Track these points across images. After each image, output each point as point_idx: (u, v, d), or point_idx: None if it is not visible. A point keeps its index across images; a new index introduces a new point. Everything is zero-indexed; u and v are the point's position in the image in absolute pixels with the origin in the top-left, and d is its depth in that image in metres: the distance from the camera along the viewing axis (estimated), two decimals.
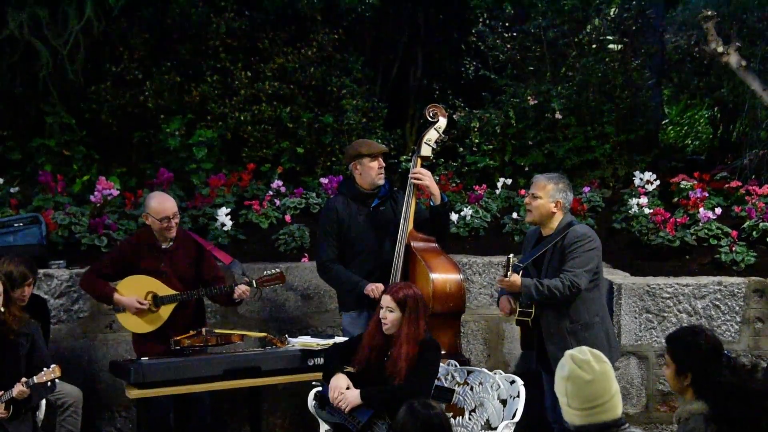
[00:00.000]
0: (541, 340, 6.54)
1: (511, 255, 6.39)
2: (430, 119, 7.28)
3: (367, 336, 6.15)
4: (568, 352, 4.32)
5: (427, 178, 7.04)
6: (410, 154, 7.33)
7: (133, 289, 7.10)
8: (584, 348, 4.32)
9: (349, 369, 6.18)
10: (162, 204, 7.08)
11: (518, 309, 6.53)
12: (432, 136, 7.23)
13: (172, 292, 7.10)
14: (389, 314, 6.00)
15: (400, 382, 5.93)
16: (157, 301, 7.08)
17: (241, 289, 7.10)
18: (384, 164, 7.20)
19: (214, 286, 7.15)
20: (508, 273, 6.33)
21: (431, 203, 7.12)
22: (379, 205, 7.20)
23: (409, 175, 7.08)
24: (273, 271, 7.30)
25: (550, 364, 6.46)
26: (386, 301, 6.01)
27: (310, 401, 6.30)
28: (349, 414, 5.99)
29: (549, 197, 6.48)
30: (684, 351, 4.92)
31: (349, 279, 7.04)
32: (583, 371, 4.19)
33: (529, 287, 6.33)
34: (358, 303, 6.97)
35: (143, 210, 7.29)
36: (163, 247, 7.19)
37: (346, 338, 6.70)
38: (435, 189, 7.07)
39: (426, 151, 7.21)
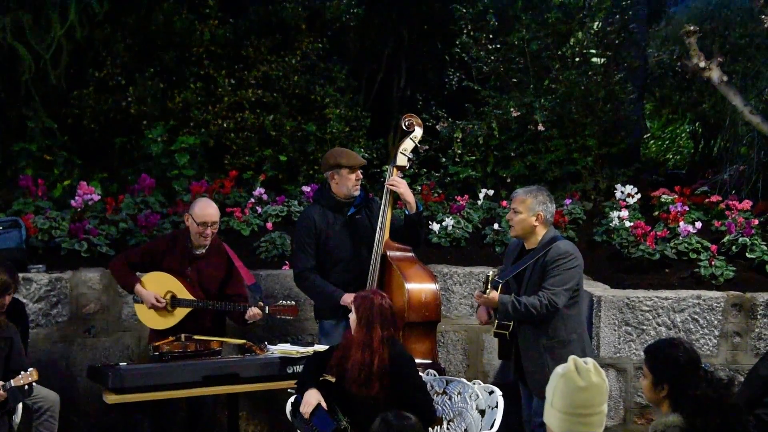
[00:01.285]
0: (519, 352, 6.55)
1: (491, 272, 6.41)
2: (405, 129, 7.30)
3: (342, 339, 6.17)
4: (572, 357, 4.32)
5: (402, 186, 7.06)
6: (389, 163, 7.33)
7: (156, 284, 7.20)
8: (589, 359, 4.33)
9: (328, 378, 6.19)
10: (204, 210, 7.19)
11: (496, 321, 6.54)
12: (408, 146, 7.24)
13: (190, 297, 7.16)
14: (351, 316, 6.05)
15: (353, 389, 5.94)
16: (175, 302, 7.16)
17: (253, 311, 7.17)
18: (361, 176, 7.22)
19: (228, 303, 7.22)
20: (487, 290, 6.32)
21: (406, 212, 7.14)
22: (355, 213, 7.23)
23: (386, 184, 7.11)
24: (288, 302, 7.37)
25: (526, 377, 6.50)
26: (352, 311, 6.05)
27: (288, 409, 6.31)
28: (313, 428, 6.00)
29: (529, 211, 6.46)
30: (662, 363, 4.95)
31: (325, 289, 7.06)
32: (580, 376, 4.19)
33: (506, 305, 6.31)
34: (334, 313, 6.98)
35: (186, 212, 7.38)
36: (195, 252, 7.28)
37: (326, 347, 6.70)
38: (410, 197, 7.09)
39: (402, 160, 7.22)
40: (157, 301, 7.11)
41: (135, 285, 7.19)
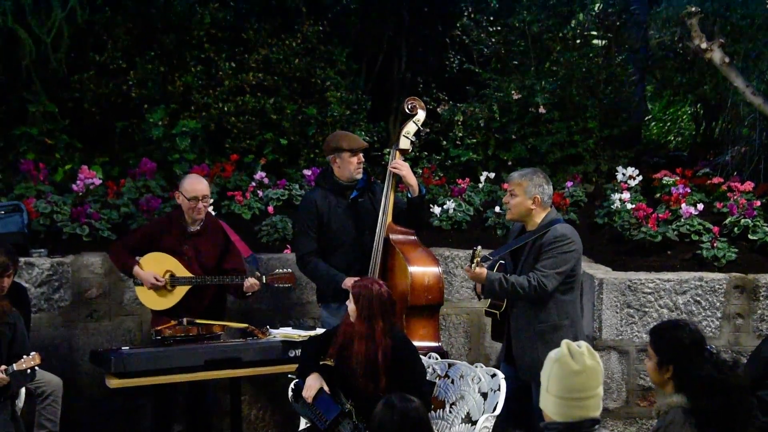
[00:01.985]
0: (510, 334, 6.54)
1: (478, 247, 6.31)
2: (408, 112, 7.30)
3: (341, 325, 6.15)
4: (565, 341, 4.31)
5: (405, 169, 7.06)
6: (391, 147, 7.33)
7: (154, 265, 7.25)
8: (583, 342, 4.32)
9: (327, 362, 6.18)
10: (193, 185, 7.24)
11: (489, 301, 6.53)
12: (411, 129, 7.25)
13: (188, 274, 7.21)
14: (349, 305, 6.02)
15: (360, 383, 5.93)
16: (174, 280, 7.21)
17: (249, 283, 7.20)
18: (363, 159, 7.21)
19: (226, 276, 7.27)
20: (472, 265, 6.24)
21: (409, 195, 7.13)
22: (358, 196, 7.23)
23: (388, 167, 7.09)
24: (284, 270, 7.37)
25: (515, 360, 6.49)
26: (350, 299, 6.03)
27: (290, 394, 6.31)
28: (316, 412, 6.00)
29: (526, 194, 6.41)
30: (667, 344, 4.94)
31: (327, 273, 7.06)
32: (574, 360, 4.18)
33: (493, 282, 6.26)
34: (337, 296, 6.98)
35: (176, 190, 7.40)
36: (190, 230, 7.32)
37: (324, 330, 6.70)
38: (413, 180, 7.09)
39: (405, 144, 7.22)
40: (157, 280, 7.15)
41: (133, 267, 7.23)
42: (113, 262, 7.58)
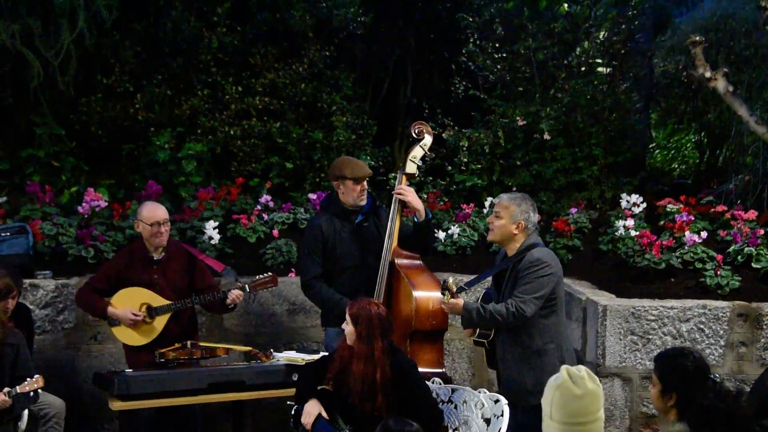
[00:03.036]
0: (497, 364, 6.53)
1: (449, 279, 6.27)
2: (415, 137, 7.29)
3: (338, 350, 6.13)
4: (564, 366, 4.31)
5: (410, 194, 7.04)
6: (397, 171, 7.33)
7: (128, 301, 7.14)
8: (581, 366, 4.32)
9: (325, 387, 6.16)
10: (152, 211, 7.18)
11: (478, 331, 6.50)
12: (417, 153, 7.24)
13: (165, 302, 7.13)
14: (346, 327, 5.99)
15: (357, 403, 5.89)
16: (152, 311, 7.13)
17: (234, 294, 7.15)
18: (366, 187, 7.21)
19: (205, 294, 7.19)
20: (446, 296, 6.16)
21: (415, 219, 7.12)
22: (363, 221, 7.23)
23: (394, 192, 7.09)
24: (265, 275, 7.37)
25: (504, 385, 6.47)
26: (346, 313, 6.00)
27: (291, 420, 6.28)
28: None
29: (510, 218, 6.38)
30: (670, 371, 4.93)
31: (331, 297, 7.04)
32: (575, 385, 4.18)
33: (471, 311, 6.21)
34: (341, 320, 6.95)
35: (135, 219, 7.33)
36: (155, 258, 7.25)
37: (323, 354, 6.68)
38: (419, 204, 7.07)
39: (411, 168, 7.21)
40: (135, 315, 7.05)
41: (106, 309, 7.12)
42: (84, 309, 7.46)
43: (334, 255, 7.14)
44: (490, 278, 6.73)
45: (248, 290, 7.24)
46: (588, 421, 4.18)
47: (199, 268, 7.40)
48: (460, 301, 6.22)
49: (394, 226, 7.05)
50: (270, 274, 7.37)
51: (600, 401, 4.22)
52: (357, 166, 7.22)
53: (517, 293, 6.20)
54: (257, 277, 7.34)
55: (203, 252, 8.41)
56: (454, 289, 6.18)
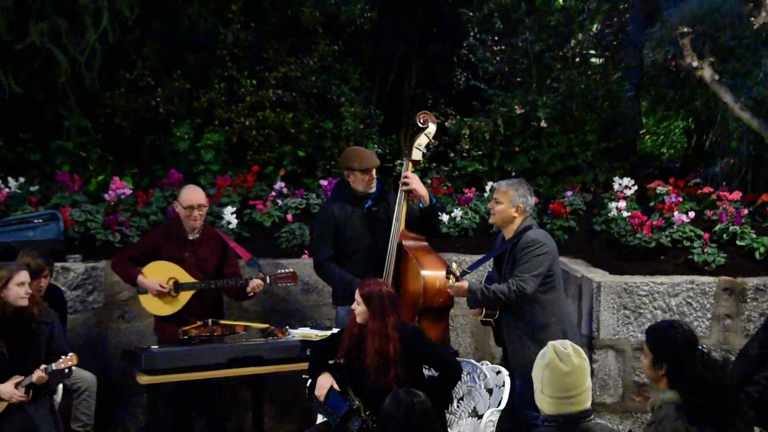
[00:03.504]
0: (504, 340, 6.58)
1: (453, 264, 6.37)
2: (420, 125, 7.30)
3: (347, 328, 6.17)
4: (551, 343, 4.36)
5: (414, 182, 7.06)
6: (403, 158, 7.36)
7: (157, 273, 7.21)
8: (567, 342, 4.37)
9: (337, 361, 6.21)
10: (189, 194, 7.26)
11: (484, 310, 6.56)
12: (422, 141, 7.26)
13: (192, 280, 7.18)
14: (357, 307, 6.02)
15: (371, 377, 5.93)
16: (178, 286, 7.18)
17: (254, 284, 7.21)
18: (374, 176, 7.24)
19: (228, 279, 7.25)
20: (450, 278, 6.27)
21: (420, 205, 7.15)
22: (372, 206, 7.24)
23: (400, 181, 7.12)
24: (287, 270, 7.41)
25: (509, 359, 6.53)
26: (356, 294, 6.04)
27: (307, 391, 6.32)
28: (327, 409, 6.03)
29: (509, 202, 6.46)
30: (662, 343, 4.97)
31: (343, 277, 7.07)
32: (563, 363, 4.23)
33: (475, 292, 6.32)
34: (351, 299, 7.00)
35: (175, 199, 7.43)
36: (189, 238, 7.32)
37: (333, 331, 6.72)
38: (423, 191, 7.10)
39: (417, 155, 7.23)
40: (161, 287, 7.13)
41: (137, 277, 7.19)
42: (117, 274, 7.51)
43: (345, 238, 7.17)
44: (490, 261, 6.80)
45: (269, 282, 7.30)
46: (576, 394, 4.24)
47: (229, 254, 7.48)
48: (464, 283, 6.31)
49: (401, 210, 7.08)
50: (291, 270, 7.42)
51: (586, 374, 4.28)
52: (365, 157, 7.23)
53: (516, 272, 6.27)
54: (279, 271, 7.41)
55: None
56: (458, 273, 6.26)
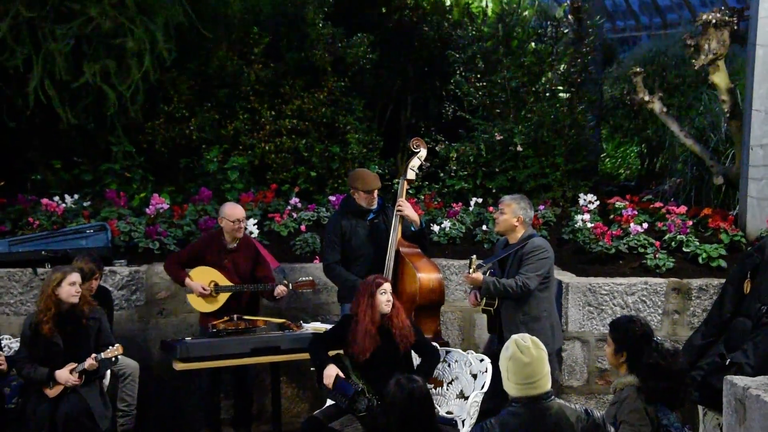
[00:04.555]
0: (502, 326, 6.57)
1: (474, 256, 6.50)
2: (413, 150, 7.35)
3: (361, 330, 6.09)
4: (513, 337, 4.37)
5: (407, 209, 7.12)
6: (400, 177, 7.35)
7: (201, 276, 7.31)
8: (527, 335, 4.37)
9: (338, 353, 6.20)
10: (234, 209, 7.36)
11: (484, 300, 6.57)
12: (415, 163, 7.32)
13: (230, 283, 7.26)
14: (384, 295, 6.10)
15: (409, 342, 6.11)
16: (218, 288, 7.27)
17: (279, 289, 7.31)
18: (375, 195, 7.24)
19: (262, 283, 7.33)
20: (470, 270, 6.38)
21: (412, 228, 7.17)
22: (374, 218, 7.27)
23: (396, 207, 7.12)
24: (306, 278, 7.49)
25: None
26: (388, 286, 6.10)
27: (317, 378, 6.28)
28: (336, 395, 6.01)
29: (512, 213, 6.54)
30: (622, 334, 5.00)
31: (348, 278, 7.09)
32: (523, 355, 4.24)
33: (488, 284, 6.40)
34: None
35: (220, 215, 7.44)
36: (229, 247, 7.37)
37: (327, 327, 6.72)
38: (414, 216, 7.16)
39: (411, 175, 7.30)
40: (203, 289, 7.21)
41: (185, 279, 7.28)
42: (168, 274, 7.60)
43: (351, 246, 7.19)
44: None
45: (291, 288, 7.35)
46: (538, 379, 4.25)
47: (262, 261, 7.53)
48: (479, 275, 6.40)
49: (397, 223, 7.11)
50: (310, 278, 7.50)
51: (545, 362, 4.28)
52: (368, 180, 7.25)
53: (522, 271, 6.38)
54: (300, 279, 7.47)
55: None
56: (475, 264, 6.39)
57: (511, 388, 4.28)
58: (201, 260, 7.38)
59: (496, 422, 4.22)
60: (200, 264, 7.37)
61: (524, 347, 4.26)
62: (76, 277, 6.38)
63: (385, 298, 6.07)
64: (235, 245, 7.38)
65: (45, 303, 6.30)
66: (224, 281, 7.29)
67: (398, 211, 7.10)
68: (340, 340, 6.25)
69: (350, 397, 5.93)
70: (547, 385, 4.26)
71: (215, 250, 7.37)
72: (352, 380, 6.04)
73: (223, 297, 7.30)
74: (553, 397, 4.27)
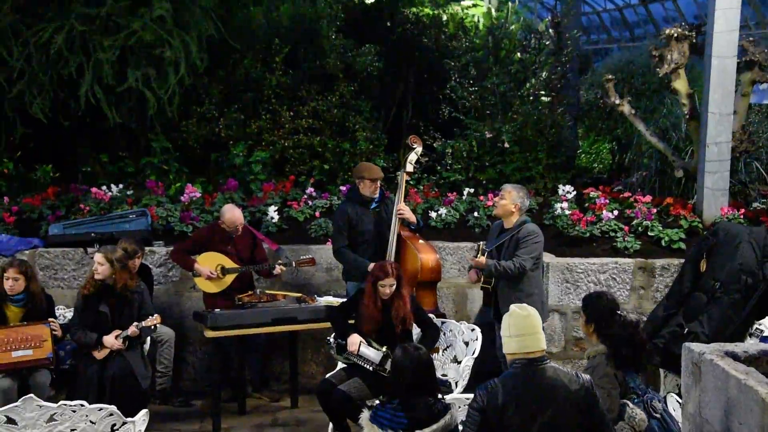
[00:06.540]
0: (498, 301, 6.58)
1: (481, 243, 6.60)
2: (410, 146, 7.36)
3: (366, 311, 6.06)
4: (512, 306, 4.39)
5: (407, 213, 7.12)
6: (401, 169, 7.35)
7: (208, 261, 7.30)
8: (523, 304, 4.40)
9: (352, 322, 6.20)
10: (233, 218, 7.33)
11: (483, 278, 6.60)
12: (413, 157, 7.32)
13: (235, 266, 7.23)
14: (388, 282, 5.99)
15: (409, 325, 6.04)
16: (224, 271, 7.26)
17: (279, 268, 7.31)
18: (379, 185, 7.23)
19: (261, 264, 7.36)
20: (478, 255, 6.47)
21: (411, 228, 7.17)
22: (377, 207, 7.26)
23: (396, 210, 7.10)
24: (307, 257, 7.49)
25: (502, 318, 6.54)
26: (389, 280, 5.97)
27: (331, 346, 6.26)
28: (363, 359, 5.98)
29: (511, 200, 6.55)
30: (590, 308, 5.01)
31: (356, 260, 7.08)
32: (521, 310, 4.30)
33: (490, 266, 6.44)
34: (361, 276, 6.97)
35: (221, 218, 7.42)
36: (231, 235, 7.36)
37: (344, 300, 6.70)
38: (413, 218, 7.20)
39: (409, 168, 7.29)
40: (211, 272, 7.22)
41: (193, 264, 7.28)
42: (177, 263, 7.61)
43: (356, 231, 7.18)
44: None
45: (294, 266, 7.36)
46: (534, 332, 4.27)
47: (259, 245, 7.56)
48: (483, 259, 6.47)
49: (397, 219, 7.10)
50: (311, 256, 7.52)
51: (538, 322, 4.31)
52: (373, 170, 7.25)
53: (518, 254, 6.42)
54: (301, 257, 7.48)
55: (267, 228, 8.47)
56: (482, 250, 6.51)
57: (511, 342, 4.27)
58: (206, 247, 7.37)
59: (497, 382, 4.23)
60: (206, 250, 7.37)
61: (522, 307, 4.35)
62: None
63: (385, 290, 6.02)
64: (237, 233, 7.42)
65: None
66: (230, 264, 7.29)
67: (399, 215, 7.09)
68: (354, 312, 6.26)
69: (379, 360, 5.92)
70: (543, 344, 4.27)
71: (219, 237, 7.37)
72: (374, 345, 6.04)
73: (230, 278, 7.29)
74: (548, 360, 4.28)
